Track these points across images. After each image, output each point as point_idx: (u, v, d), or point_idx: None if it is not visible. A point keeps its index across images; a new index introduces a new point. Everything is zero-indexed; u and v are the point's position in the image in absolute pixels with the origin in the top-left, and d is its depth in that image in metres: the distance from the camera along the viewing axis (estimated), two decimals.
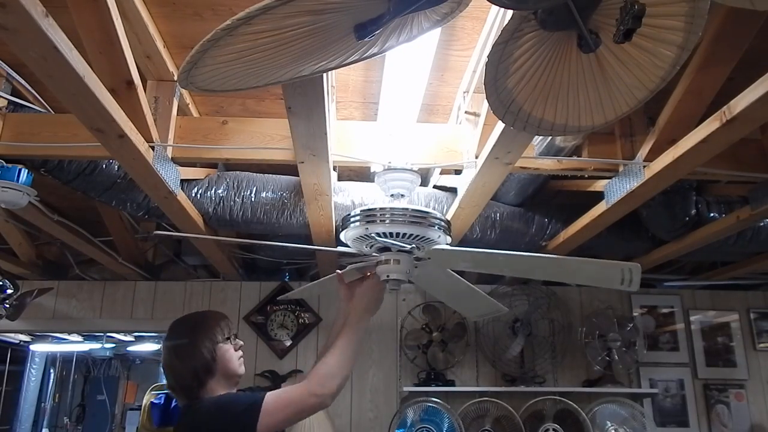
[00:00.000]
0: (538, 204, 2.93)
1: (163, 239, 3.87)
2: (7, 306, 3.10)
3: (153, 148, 2.01)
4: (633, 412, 3.42)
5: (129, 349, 7.39)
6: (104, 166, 2.35)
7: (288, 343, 3.82)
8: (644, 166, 2.10)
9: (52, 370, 7.88)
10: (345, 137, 2.27)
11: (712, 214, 2.69)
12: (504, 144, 1.83)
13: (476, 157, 2.13)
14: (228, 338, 1.75)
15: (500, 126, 1.77)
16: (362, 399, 3.73)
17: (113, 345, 7.14)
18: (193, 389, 1.66)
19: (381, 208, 1.66)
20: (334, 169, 2.38)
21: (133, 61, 1.79)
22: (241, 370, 1.76)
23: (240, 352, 1.77)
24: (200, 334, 1.71)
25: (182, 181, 2.39)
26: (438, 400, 3.45)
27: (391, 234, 1.61)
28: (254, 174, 2.70)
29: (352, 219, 1.67)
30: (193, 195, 2.58)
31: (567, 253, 2.98)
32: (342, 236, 1.74)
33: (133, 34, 1.85)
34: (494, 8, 1.76)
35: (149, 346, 7.25)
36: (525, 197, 2.81)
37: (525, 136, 1.79)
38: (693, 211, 2.69)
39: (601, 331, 3.63)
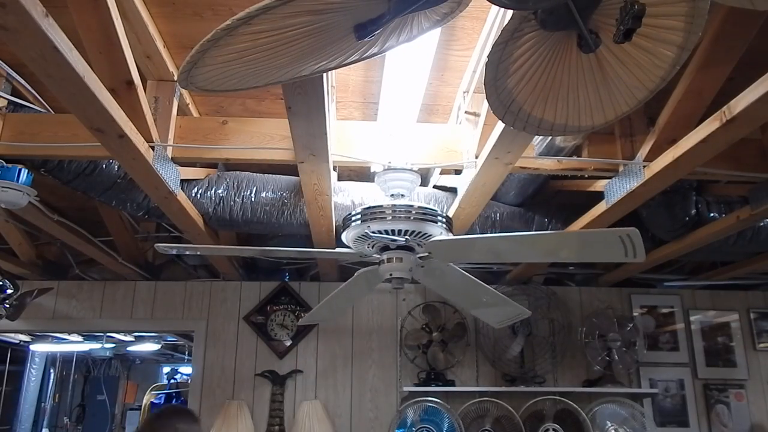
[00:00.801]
0: (538, 204, 2.93)
1: (162, 239, 3.87)
2: (7, 306, 3.09)
3: (153, 148, 2.02)
4: (633, 412, 3.43)
5: (129, 349, 7.38)
6: (104, 166, 2.35)
7: (288, 343, 3.82)
8: (644, 166, 2.10)
9: (52, 370, 7.88)
10: (345, 137, 2.27)
11: (712, 214, 2.69)
12: (504, 144, 1.83)
13: (476, 157, 2.13)
14: None
15: (500, 126, 1.77)
16: (362, 399, 3.73)
17: (113, 345, 7.13)
18: None
19: (384, 206, 1.66)
20: (334, 169, 2.38)
21: (133, 61, 1.79)
22: None
23: None
24: None
25: (182, 181, 2.39)
26: (438, 400, 3.45)
27: (393, 231, 1.61)
28: (254, 174, 2.70)
29: (353, 218, 1.67)
30: (193, 195, 2.58)
31: None
32: (343, 237, 1.74)
33: (133, 34, 1.85)
34: (494, 8, 1.76)
35: (149, 346, 7.25)
36: (525, 197, 2.81)
37: (525, 136, 1.79)
38: (693, 211, 2.69)
39: (601, 331, 3.63)
